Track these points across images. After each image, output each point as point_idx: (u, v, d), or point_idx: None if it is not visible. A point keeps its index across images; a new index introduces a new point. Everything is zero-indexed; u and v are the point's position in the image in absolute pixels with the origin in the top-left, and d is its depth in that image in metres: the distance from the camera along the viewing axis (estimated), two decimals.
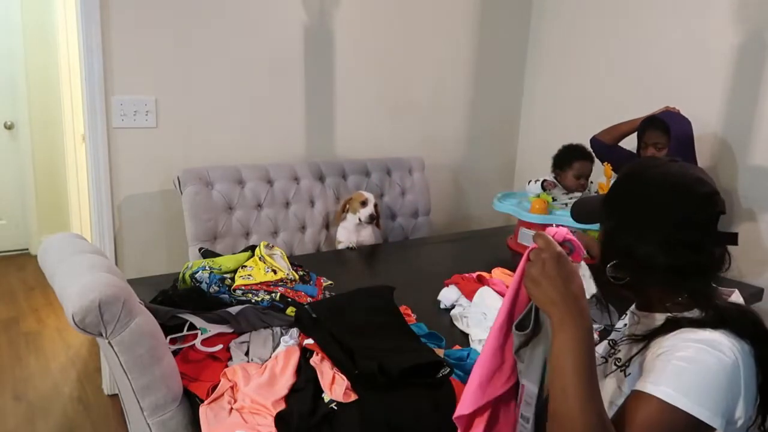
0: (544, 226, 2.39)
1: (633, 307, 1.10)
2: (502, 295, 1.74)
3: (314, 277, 1.94)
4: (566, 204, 2.51)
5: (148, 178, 2.42)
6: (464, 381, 1.32)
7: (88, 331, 1.14)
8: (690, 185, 0.96)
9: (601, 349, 1.12)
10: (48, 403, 2.50)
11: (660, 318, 0.99)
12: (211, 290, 1.70)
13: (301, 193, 2.61)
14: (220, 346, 1.43)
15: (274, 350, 1.41)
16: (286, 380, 1.27)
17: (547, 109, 3.34)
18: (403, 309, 1.65)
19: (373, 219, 2.49)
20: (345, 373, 1.26)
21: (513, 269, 2.02)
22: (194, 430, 1.25)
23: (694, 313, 0.94)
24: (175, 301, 1.59)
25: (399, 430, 1.16)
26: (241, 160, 2.55)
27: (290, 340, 1.44)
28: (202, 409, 1.22)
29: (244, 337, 1.47)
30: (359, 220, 2.49)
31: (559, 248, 0.88)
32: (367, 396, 1.21)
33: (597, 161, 2.58)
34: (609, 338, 1.13)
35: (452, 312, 1.76)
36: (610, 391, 1.00)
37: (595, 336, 1.13)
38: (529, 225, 2.44)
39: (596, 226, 1.11)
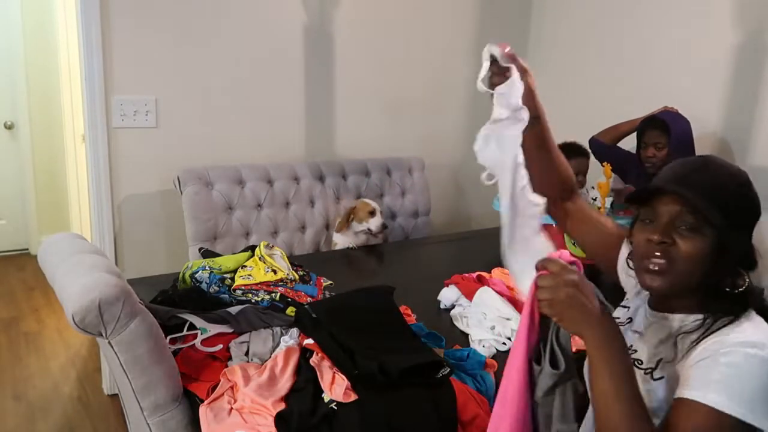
0: (543, 226, 2.39)
1: (643, 306, 1.07)
2: (502, 295, 1.74)
3: (314, 277, 1.94)
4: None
5: (148, 178, 2.42)
6: (464, 381, 1.33)
7: (88, 331, 1.15)
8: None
9: None
10: (48, 403, 2.50)
11: (680, 318, 0.98)
12: (211, 290, 1.70)
13: (301, 193, 2.61)
14: (220, 346, 1.43)
15: (274, 350, 1.41)
16: (286, 380, 1.27)
17: (547, 109, 3.33)
18: (403, 309, 1.65)
19: (385, 228, 2.41)
20: (345, 373, 1.26)
21: None
22: (194, 430, 1.25)
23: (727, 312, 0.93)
24: (175, 301, 1.59)
25: (399, 430, 1.16)
26: (241, 160, 2.55)
27: (290, 340, 1.44)
28: (202, 409, 1.22)
29: (244, 337, 1.47)
30: (369, 230, 2.43)
31: (575, 269, 0.87)
32: (367, 396, 1.21)
33: (594, 160, 2.58)
34: None
35: (452, 312, 1.76)
36: None
37: None
38: None
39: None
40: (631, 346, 1.03)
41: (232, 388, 1.28)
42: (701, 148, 2.40)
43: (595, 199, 2.48)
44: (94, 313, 1.12)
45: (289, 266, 1.89)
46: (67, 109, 3.64)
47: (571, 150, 2.57)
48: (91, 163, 2.32)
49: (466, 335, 1.63)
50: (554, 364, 0.89)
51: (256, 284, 1.73)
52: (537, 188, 1.05)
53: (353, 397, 1.21)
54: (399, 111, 3.05)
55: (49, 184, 4.26)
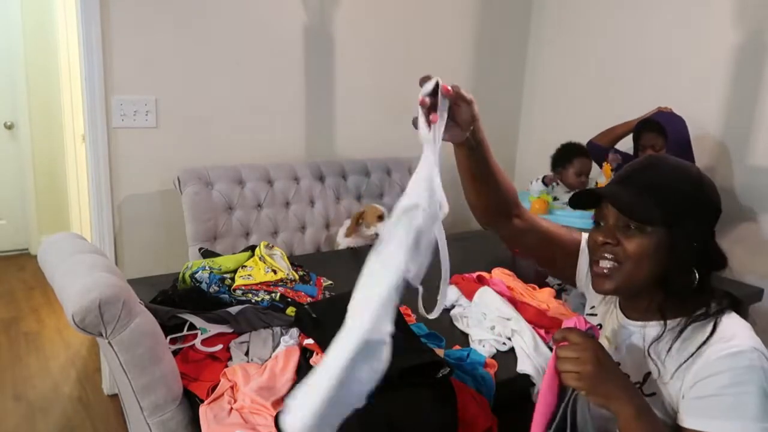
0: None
1: (617, 315, 1.06)
2: (502, 295, 1.74)
3: (314, 277, 1.94)
4: (567, 203, 2.51)
5: (148, 178, 2.42)
6: (464, 381, 1.33)
7: (88, 331, 1.14)
8: (706, 179, 0.98)
9: None
10: (48, 403, 2.50)
11: (651, 325, 0.98)
12: (211, 290, 1.70)
13: (301, 193, 2.61)
14: (220, 346, 1.43)
15: (274, 350, 1.41)
16: (286, 380, 1.27)
17: (547, 110, 3.34)
18: (403, 309, 1.65)
19: None
20: None
21: (513, 269, 2.03)
22: (194, 430, 1.25)
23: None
24: (175, 301, 1.59)
25: (399, 430, 1.16)
26: (241, 160, 2.55)
27: (290, 340, 1.44)
28: (202, 409, 1.22)
29: (244, 337, 1.47)
30: (377, 235, 2.38)
31: (596, 340, 0.86)
32: (367, 396, 1.21)
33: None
34: None
35: (452, 312, 1.76)
36: None
37: None
38: None
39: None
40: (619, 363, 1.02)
41: (232, 388, 1.28)
42: (701, 149, 2.40)
43: None
44: (94, 313, 1.12)
45: (289, 266, 1.89)
46: (67, 109, 3.64)
47: (573, 151, 2.58)
48: (91, 163, 2.32)
49: (466, 335, 1.63)
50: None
51: (256, 284, 1.73)
52: (484, 214, 1.08)
53: None
54: (399, 111, 3.05)
55: (49, 184, 4.26)
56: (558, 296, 1.89)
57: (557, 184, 2.59)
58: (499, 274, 2.00)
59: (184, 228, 2.34)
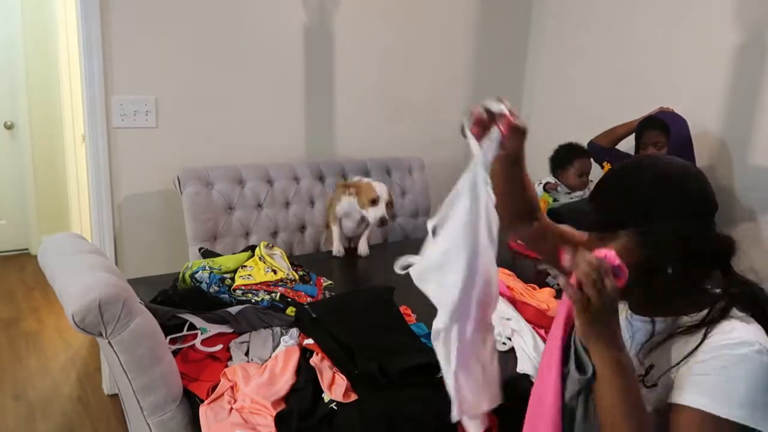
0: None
1: (627, 313, 1.07)
2: (502, 295, 1.73)
3: (314, 277, 1.94)
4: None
5: (148, 178, 2.42)
6: None
7: (88, 331, 1.15)
8: (688, 178, 0.96)
9: None
10: (48, 403, 2.50)
11: (662, 321, 0.98)
12: (211, 290, 1.70)
13: (301, 193, 2.61)
14: (220, 346, 1.43)
15: (274, 350, 1.41)
16: (286, 380, 1.27)
17: (547, 110, 3.34)
18: (403, 309, 1.65)
19: (384, 223, 2.10)
20: (345, 374, 1.26)
21: (513, 269, 2.03)
22: (194, 430, 1.25)
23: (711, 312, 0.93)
24: (175, 301, 1.59)
25: (399, 430, 1.16)
26: (241, 160, 2.55)
27: (290, 340, 1.44)
28: (202, 409, 1.22)
29: (244, 337, 1.47)
30: (365, 220, 2.16)
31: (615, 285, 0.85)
32: (367, 396, 1.21)
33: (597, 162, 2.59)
34: None
35: None
36: None
37: None
38: None
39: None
40: None
41: (232, 388, 1.28)
42: (701, 148, 2.40)
43: None
44: (94, 313, 1.13)
45: (289, 266, 1.89)
46: (67, 109, 3.64)
47: (574, 151, 2.58)
48: (91, 163, 2.32)
49: None
50: (580, 367, 0.89)
51: (256, 284, 1.73)
52: (508, 215, 1.11)
53: (353, 397, 1.21)
54: (399, 111, 3.05)
55: (49, 184, 4.26)
56: (558, 296, 1.89)
57: (557, 191, 2.59)
58: (499, 274, 1.99)
59: (184, 228, 2.34)
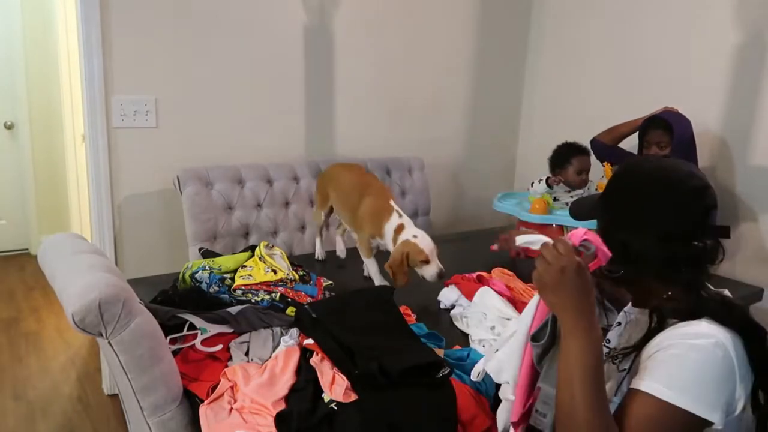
0: (544, 226, 2.40)
1: (629, 305, 1.11)
2: (502, 295, 1.74)
3: (314, 277, 1.93)
4: (567, 204, 2.51)
5: (148, 178, 2.42)
6: (464, 381, 1.33)
7: (88, 331, 1.14)
8: (681, 179, 0.98)
9: None
10: (48, 403, 2.50)
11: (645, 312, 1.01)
12: (211, 290, 1.70)
13: (301, 193, 2.61)
14: (220, 346, 1.43)
15: (274, 350, 1.41)
16: (286, 380, 1.27)
17: (547, 109, 3.34)
18: (403, 309, 1.65)
19: (442, 276, 1.83)
20: (345, 374, 1.26)
21: (513, 269, 2.03)
22: (194, 430, 1.25)
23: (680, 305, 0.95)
24: (175, 301, 1.59)
25: (399, 430, 1.16)
26: (241, 160, 2.55)
27: (290, 340, 1.44)
28: (202, 409, 1.22)
29: (244, 337, 1.47)
30: (422, 277, 1.85)
31: (579, 259, 0.90)
32: (367, 396, 1.21)
33: (595, 161, 2.58)
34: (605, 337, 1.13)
35: (452, 312, 1.76)
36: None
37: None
38: (529, 225, 2.44)
39: (593, 224, 1.12)
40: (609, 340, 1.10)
41: (232, 388, 1.28)
42: (701, 148, 2.40)
43: None
44: (94, 313, 1.12)
45: (289, 266, 1.88)
46: (67, 109, 3.64)
47: (571, 150, 2.58)
48: (91, 163, 2.32)
49: (466, 335, 1.63)
50: (536, 338, 0.95)
51: (256, 284, 1.73)
52: None
53: (353, 397, 1.21)
54: (399, 111, 3.05)
55: (49, 184, 4.26)
56: None
57: (558, 184, 2.59)
58: (499, 274, 2.00)
59: (184, 228, 2.34)
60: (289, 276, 1.82)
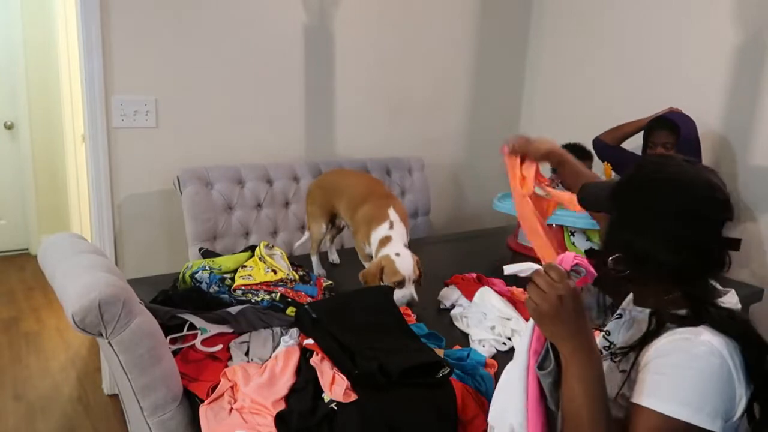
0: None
1: (629, 302, 1.11)
2: (502, 295, 1.74)
3: (314, 277, 1.94)
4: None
5: (148, 178, 2.42)
6: (464, 381, 1.33)
7: (88, 331, 1.14)
8: (700, 188, 0.96)
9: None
10: (48, 403, 2.50)
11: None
12: (211, 290, 1.70)
13: (301, 193, 2.61)
14: (220, 346, 1.43)
15: (274, 350, 1.41)
16: (286, 380, 1.27)
17: (547, 110, 3.34)
18: (403, 309, 1.65)
19: (411, 306, 1.72)
20: (345, 373, 1.26)
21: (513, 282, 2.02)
22: (194, 430, 1.25)
23: (681, 311, 0.95)
24: (175, 301, 1.59)
25: (399, 430, 1.16)
26: (241, 160, 2.55)
27: (290, 340, 1.44)
28: (202, 409, 1.22)
29: (244, 337, 1.47)
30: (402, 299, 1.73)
31: (573, 284, 0.89)
32: (367, 396, 1.21)
33: (597, 160, 2.58)
34: (604, 330, 1.14)
35: (452, 312, 1.76)
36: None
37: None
38: None
39: (595, 225, 1.11)
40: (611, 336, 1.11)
41: (232, 388, 1.28)
42: (702, 148, 2.40)
43: None
44: (94, 313, 1.12)
45: (289, 266, 1.88)
46: (67, 109, 3.64)
47: (573, 151, 2.57)
48: (91, 163, 2.32)
49: (466, 335, 1.63)
50: (542, 366, 0.92)
51: (256, 284, 1.73)
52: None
53: (353, 397, 1.21)
54: (399, 111, 3.05)
55: (49, 184, 4.26)
56: None
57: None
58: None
59: (184, 228, 2.34)
60: (289, 276, 1.82)
